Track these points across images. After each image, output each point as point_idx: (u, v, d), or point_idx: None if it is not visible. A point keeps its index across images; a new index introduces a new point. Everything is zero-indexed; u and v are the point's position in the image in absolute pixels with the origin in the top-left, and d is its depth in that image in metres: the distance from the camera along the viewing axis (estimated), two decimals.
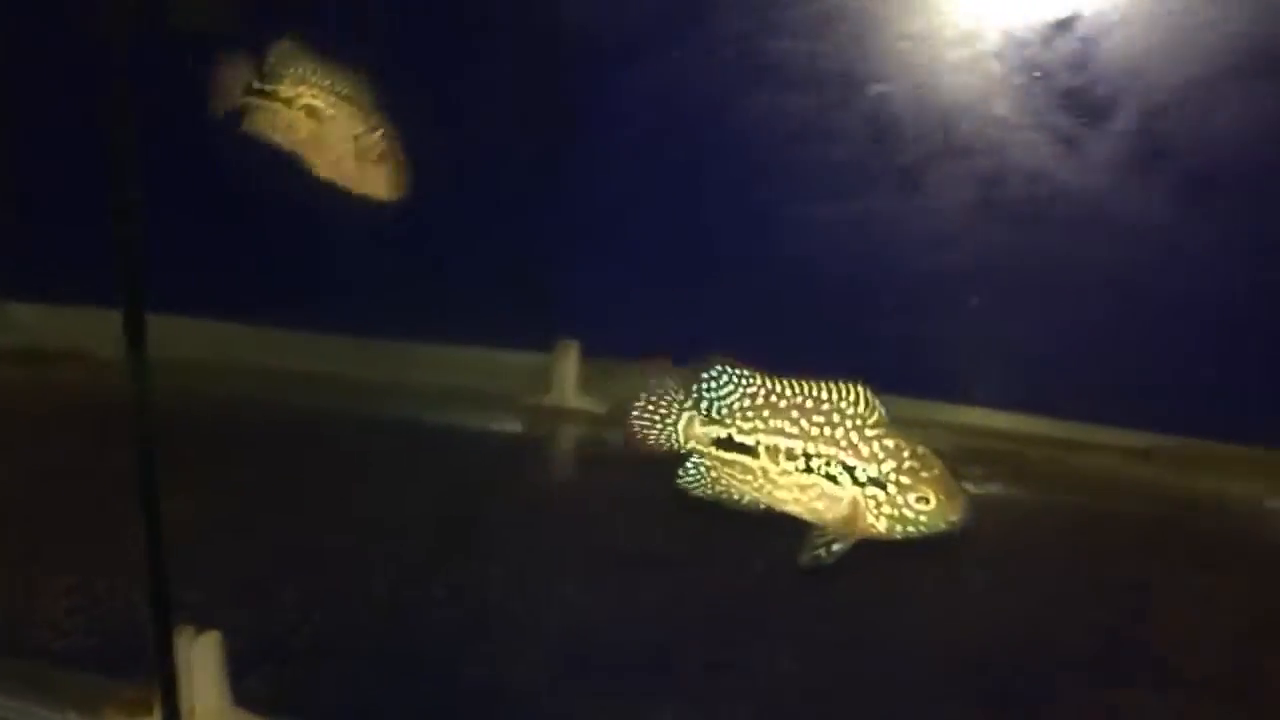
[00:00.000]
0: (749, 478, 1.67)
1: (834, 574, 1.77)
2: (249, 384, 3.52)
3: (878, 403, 1.60)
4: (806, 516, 1.65)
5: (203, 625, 1.85)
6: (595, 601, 2.47)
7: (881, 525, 1.60)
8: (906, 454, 1.58)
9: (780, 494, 1.66)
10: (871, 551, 1.61)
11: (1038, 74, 2.98)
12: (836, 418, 1.60)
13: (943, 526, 1.58)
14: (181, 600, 1.84)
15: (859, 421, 1.59)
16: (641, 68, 3.30)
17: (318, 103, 1.80)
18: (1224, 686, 2.30)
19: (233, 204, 3.46)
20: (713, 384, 1.74)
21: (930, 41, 3.05)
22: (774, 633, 2.41)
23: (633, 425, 1.80)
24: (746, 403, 1.69)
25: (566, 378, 3.47)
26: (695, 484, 1.72)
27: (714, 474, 1.70)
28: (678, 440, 1.72)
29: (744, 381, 1.71)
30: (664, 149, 3.40)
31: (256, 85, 1.78)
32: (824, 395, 1.63)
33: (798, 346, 3.34)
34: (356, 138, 1.83)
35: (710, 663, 2.32)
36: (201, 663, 1.84)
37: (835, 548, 1.63)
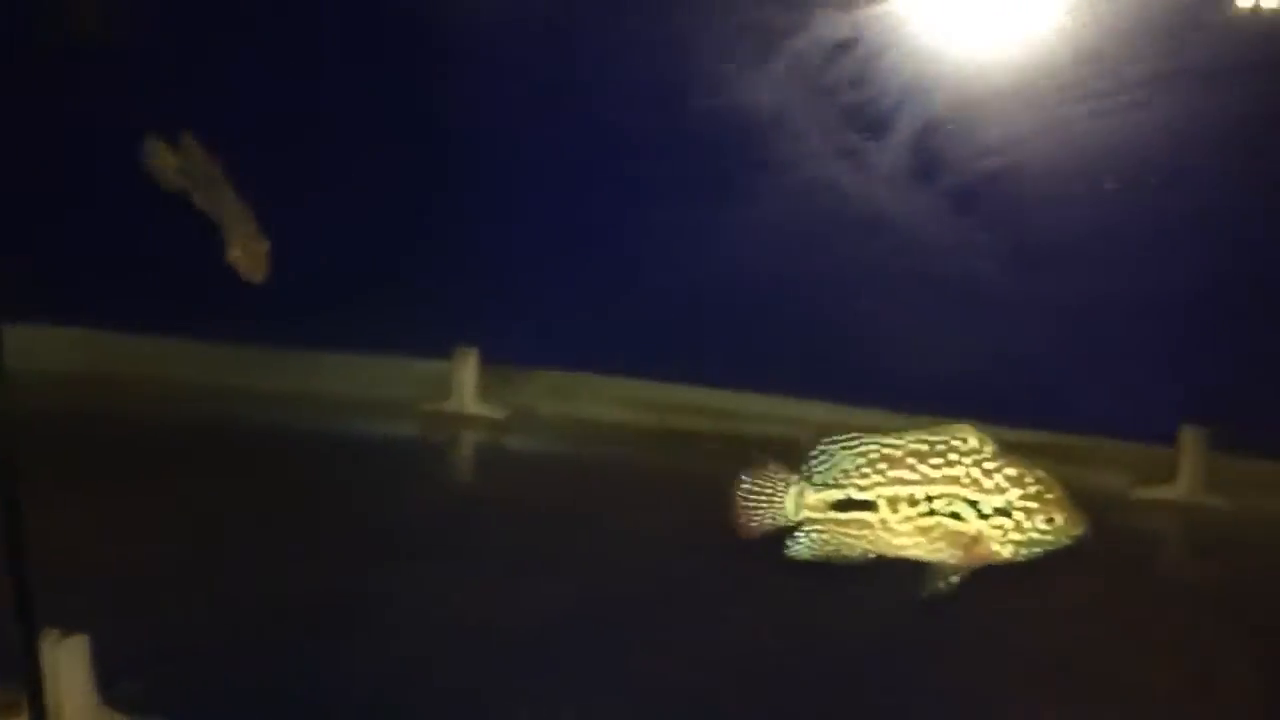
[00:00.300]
0: (865, 531, 1.72)
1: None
2: (150, 394, 3.53)
3: (988, 438, 1.67)
4: (926, 557, 1.71)
5: (71, 629, 1.88)
6: (482, 600, 2.51)
7: (1007, 551, 1.67)
8: (1029, 480, 1.65)
9: (899, 540, 1.71)
10: None
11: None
12: (954, 457, 1.67)
13: (1066, 542, 1.65)
14: (64, 605, 1.87)
15: (976, 458, 1.66)
16: (530, 82, 3.40)
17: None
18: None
19: (131, 215, 3.48)
20: (822, 454, 1.83)
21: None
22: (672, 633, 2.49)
23: (740, 515, 1.87)
24: (860, 461, 1.74)
25: (465, 384, 3.53)
26: (808, 549, 1.77)
27: (825, 536, 1.75)
28: (788, 514, 1.76)
29: (853, 444, 1.75)
30: (558, 161, 3.49)
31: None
32: (936, 439, 1.69)
33: (689, 349, 3.52)
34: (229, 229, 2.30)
35: (599, 651, 2.39)
36: (69, 665, 1.88)
37: (954, 579, 1.70)
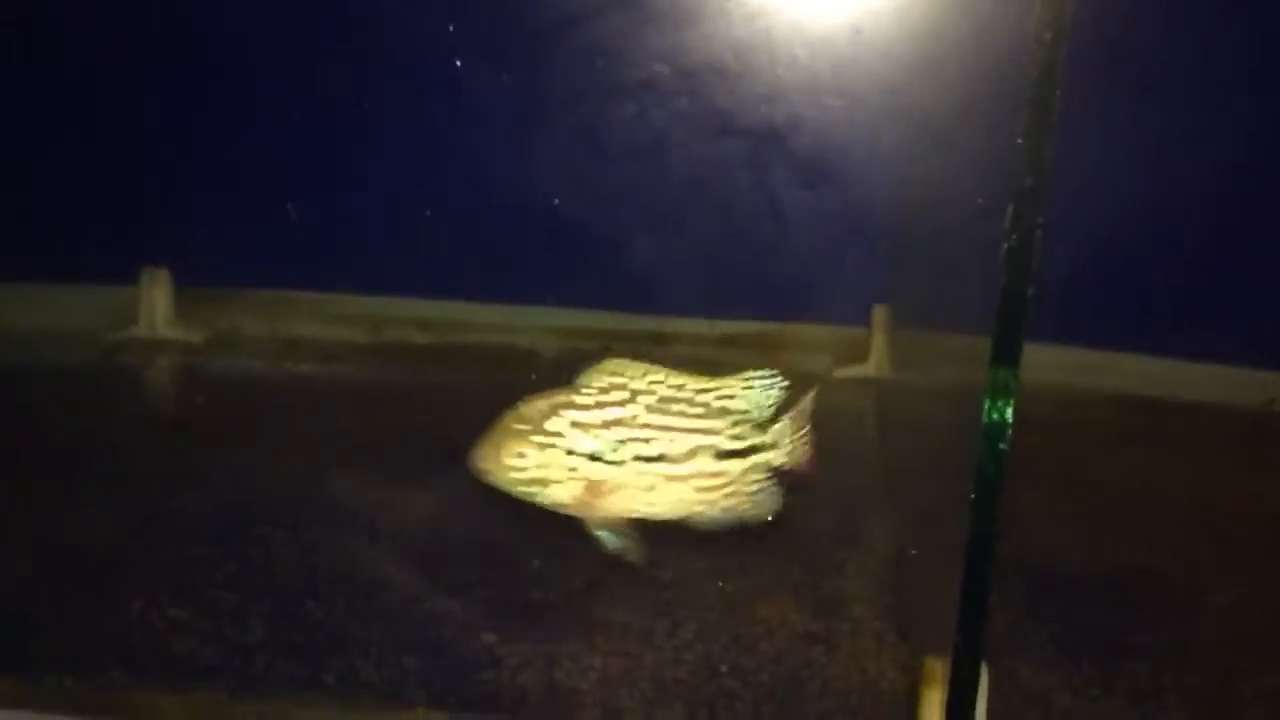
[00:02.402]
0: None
1: None
2: None
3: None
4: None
5: None
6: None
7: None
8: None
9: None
10: None
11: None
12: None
13: None
14: None
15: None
16: None
17: None
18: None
19: None
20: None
21: None
22: None
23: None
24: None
25: (157, 307, 3.34)
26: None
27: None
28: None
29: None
30: (256, 68, 3.32)
31: None
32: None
33: (402, 260, 3.42)
34: None
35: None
36: None
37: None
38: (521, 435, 1.70)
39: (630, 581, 2.00)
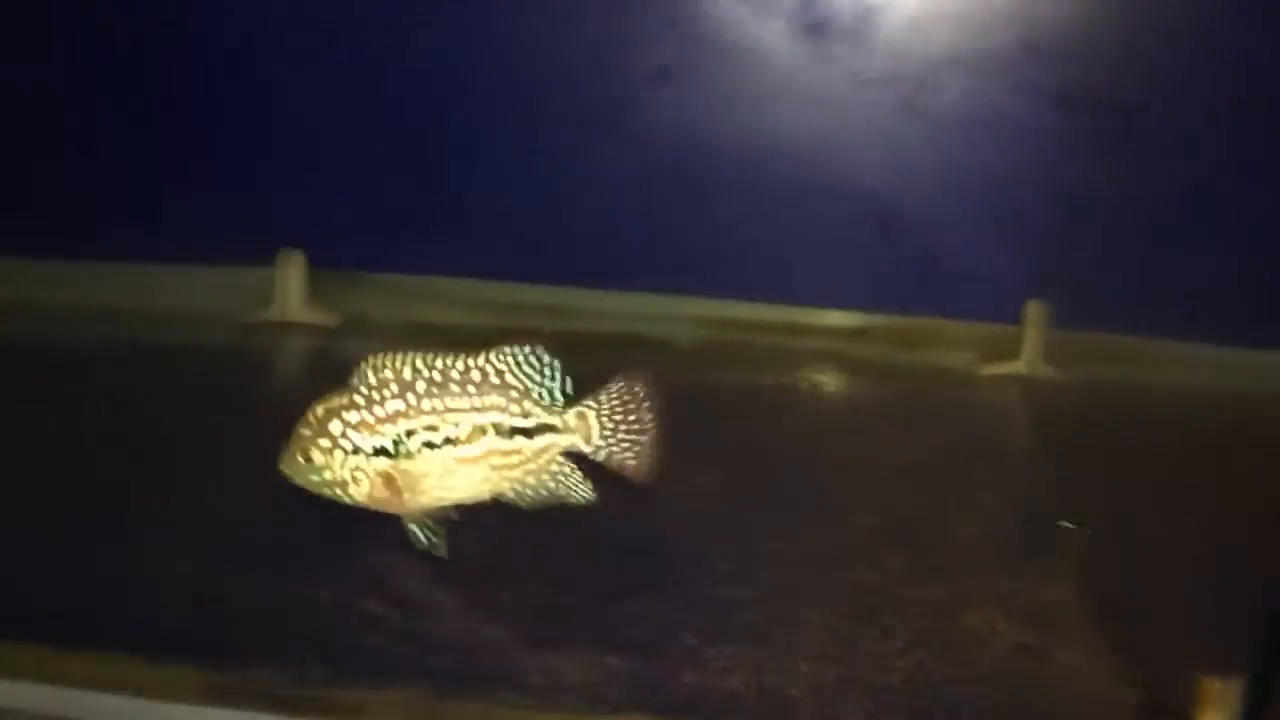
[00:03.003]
0: None
1: None
2: None
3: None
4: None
5: None
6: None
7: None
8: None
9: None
10: None
11: None
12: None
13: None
14: None
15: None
16: None
17: None
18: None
19: None
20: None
21: None
22: None
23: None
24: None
25: (291, 290, 3.31)
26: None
27: None
28: None
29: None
30: (387, 64, 3.27)
31: None
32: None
33: (527, 248, 3.37)
34: None
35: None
36: None
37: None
38: (308, 440, 1.72)
39: None
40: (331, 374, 1.81)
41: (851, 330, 3.33)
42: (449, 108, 3.31)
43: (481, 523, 1.86)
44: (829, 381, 3.17)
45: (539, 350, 1.76)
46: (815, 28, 3.14)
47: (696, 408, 2.60)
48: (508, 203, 3.37)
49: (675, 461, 1.86)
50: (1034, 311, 3.15)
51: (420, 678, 1.71)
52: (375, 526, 1.84)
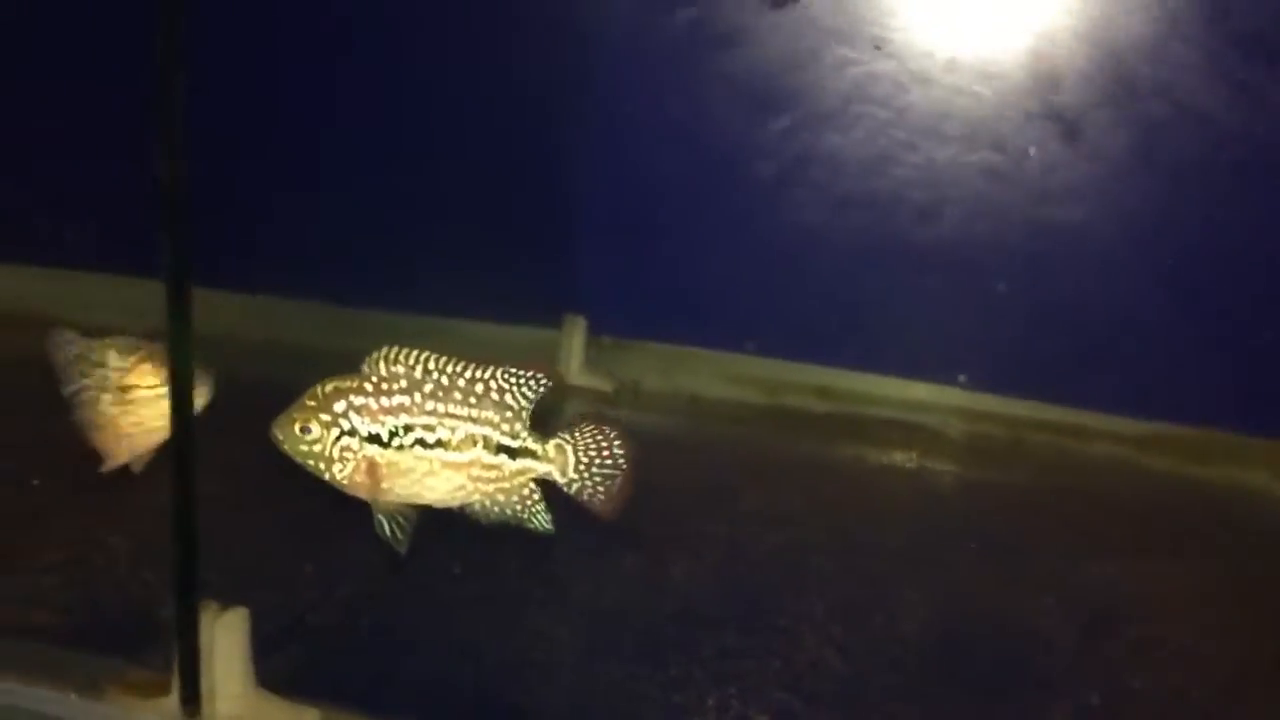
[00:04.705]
0: None
1: None
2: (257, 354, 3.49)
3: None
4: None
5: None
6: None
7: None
8: None
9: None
10: None
11: None
12: None
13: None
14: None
15: None
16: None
17: None
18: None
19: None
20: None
21: None
22: None
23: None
24: None
25: (573, 354, 3.44)
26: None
27: None
28: None
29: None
30: (680, 131, 3.40)
31: None
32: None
33: (803, 326, 3.41)
34: None
35: None
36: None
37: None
38: (311, 411, 1.73)
39: None
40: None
41: (1141, 437, 3.22)
42: (737, 185, 3.40)
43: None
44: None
45: (541, 379, 1.77)
46: None
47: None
48: (786, 279, 3.43)
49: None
50: None
51: None
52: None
